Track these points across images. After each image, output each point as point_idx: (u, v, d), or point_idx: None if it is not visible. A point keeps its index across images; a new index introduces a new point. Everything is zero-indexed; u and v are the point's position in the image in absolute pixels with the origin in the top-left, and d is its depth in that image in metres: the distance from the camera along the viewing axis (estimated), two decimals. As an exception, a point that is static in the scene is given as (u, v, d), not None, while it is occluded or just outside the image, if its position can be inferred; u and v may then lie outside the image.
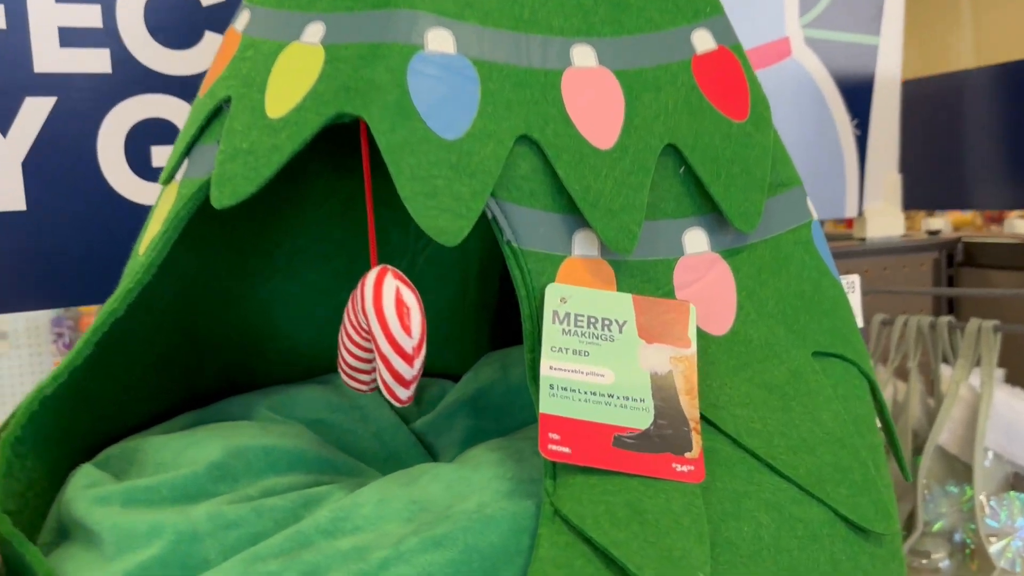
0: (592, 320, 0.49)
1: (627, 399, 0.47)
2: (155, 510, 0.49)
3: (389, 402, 0.66)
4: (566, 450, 0.45)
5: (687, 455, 0.46)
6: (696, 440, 0.47)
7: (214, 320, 0.67)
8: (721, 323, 0.53)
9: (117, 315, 0.53)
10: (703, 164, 0.53)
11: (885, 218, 1.36)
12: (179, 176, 0.56)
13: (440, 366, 0.72)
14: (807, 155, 1.26)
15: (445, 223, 0.46)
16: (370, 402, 0.64)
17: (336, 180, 0.68)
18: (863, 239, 1.35)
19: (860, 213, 1.36)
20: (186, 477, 0.52)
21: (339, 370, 0.54)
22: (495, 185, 0.48)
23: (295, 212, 0.67)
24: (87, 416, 0.60)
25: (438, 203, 0.46)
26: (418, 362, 0.48)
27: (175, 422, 0.63)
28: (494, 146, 0.48)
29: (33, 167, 0.89)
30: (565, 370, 0.48)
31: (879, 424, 0.57)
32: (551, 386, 0.47)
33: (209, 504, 0.49)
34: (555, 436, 0.45)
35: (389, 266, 0.49)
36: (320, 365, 0.70)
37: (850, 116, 1.31)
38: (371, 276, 0.48)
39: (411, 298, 0.47)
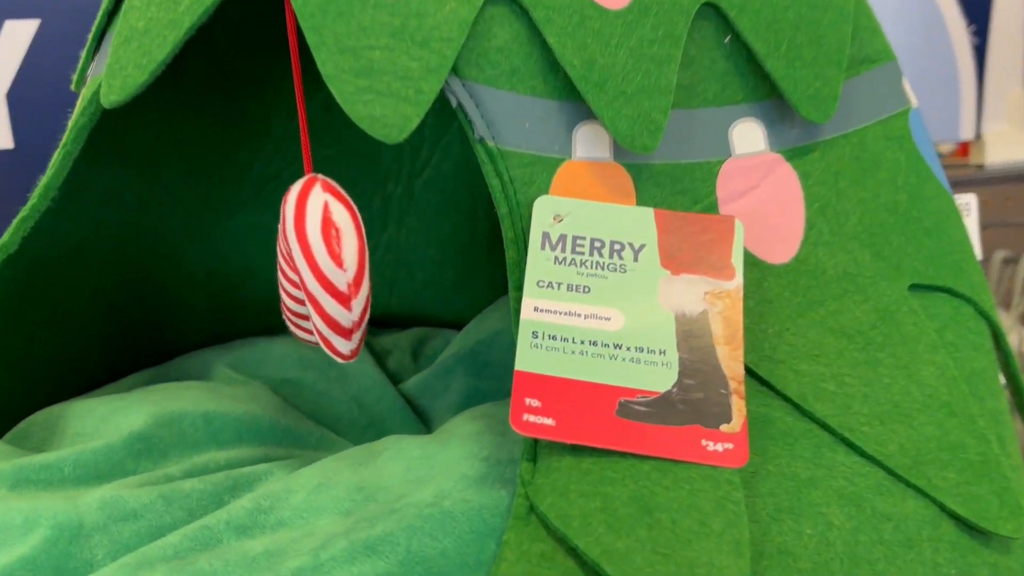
0: (597, 244, 0.36)
1: (641, 350, 0.34)
2: (46, 494, 0.39)
3: (378, 358, 0.54)
4: (548, 422, 0.32)
5: (724, 428, 0.33)
6: (738, 407, 0.33)
7: (176, 263, 0.56)
8: (783, 247, 0.39)
9: (9, 251, 0.42)
10: (757, 31, 0.39)
11: (1007, 141, 1.18)
12: (89, 76, 0.44)
13: (448, 315, 0.60)
14: (913, 67, 1.08)
15: (383, 111, 0.34)
16: (351, 357, 0.52)
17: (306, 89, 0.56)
18: (980, 166, 1.17)
19: (977, 136, 1.17)
20: (97, 452, 0.41)
21: (284, 318, 0.43)
22: (458, 60, 0.35)
23: (262, 130, 0.55)
24: (19, 380, 0.49)
25: (373, 84, 0.34)
26: (357, 303, 0.35)
27: (124, 382, 0.53)
28: (455, 4, 0.35)
29: (18, 99, 0.79)
30: (556, 312, 0.35)
31: (1003, 383, 0.43)
32: (534, 334, 0.34)
33: (108, 488, 0.38)
34: (534, 403, 0.33)
35: (321, 176, 0.36)
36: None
37: (966, 21, 1.12)
38: (295, 189, 0.36)
39: (343, 217, 0.34)
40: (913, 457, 0.35)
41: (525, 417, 0.32)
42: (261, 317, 0.58)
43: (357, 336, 0.36)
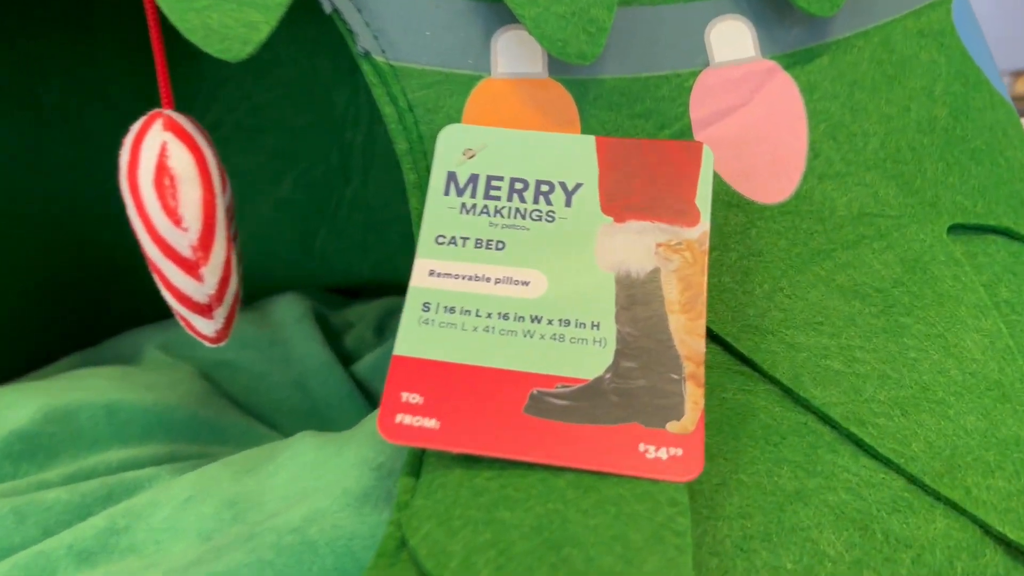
0: (518, 186, 0.28)
1: (566, 324, 0.26)
2: None
3: (335, 334, 0.47)
4: (431, 424, 0.24)
5: (671, 427, 0.24)
6: (693, 398, 0.25)
7: (118, 232, 0.49)
8: (777, 182, 0.30)
9: None
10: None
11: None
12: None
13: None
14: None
15: (222, 19, 0.26)
16: (297, 333, 0.45)
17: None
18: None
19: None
20: (-32, 454, 0.35)
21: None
22: (325, -49, 0.27)
23: (192, 73, 0.48)
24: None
25: (204, -14, 0.26)
26: (210, 272, 0.28)
27: (52, 367, 0.47)
28: None
29: None
30: (457, 276, 0.26)
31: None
32: (425, 306, 0.26)
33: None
34: (414, 398, 0.25)
35: (169, 111, 0.29)
36: (274, 282, 0.51)
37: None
38: (133, 129, 0.28)
39: (183, 162, 0.27)
40: (947, 460, 0.26)
41: (399, 418, 0.24)
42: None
43: (221, 313, 0.29)
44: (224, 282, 0.28)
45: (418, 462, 0.25)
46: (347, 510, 0.26)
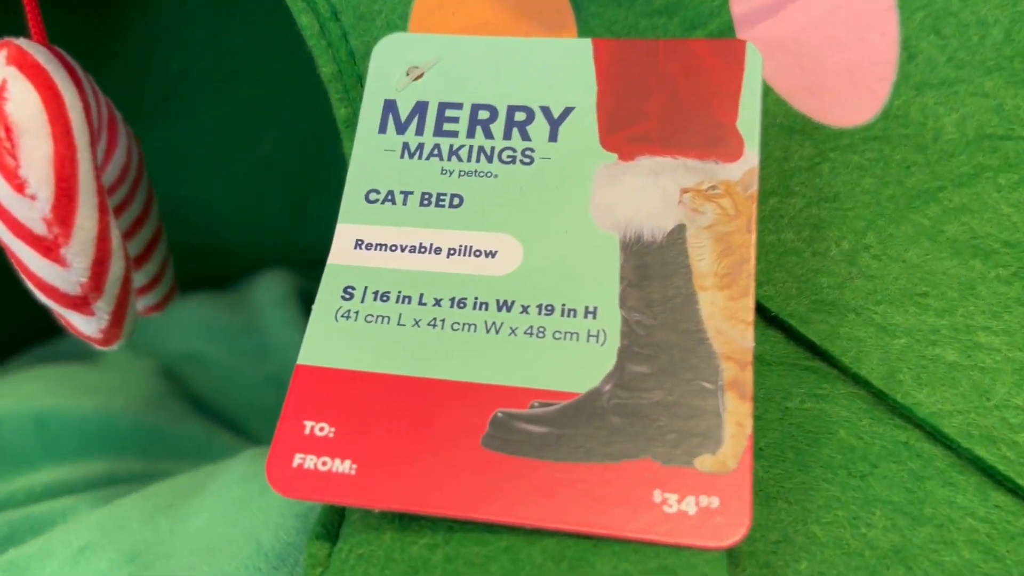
0: (481, 116, 0.20)
1: (548, 312, 0.18)
2: None
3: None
4: (343, 467, 0.16)
5: (702, 462, 0.16)
6: (737, 416, 0.16)
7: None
8: (856, 96, 0.21)
9: None
10: None
11: None
12: None
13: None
14: None
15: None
16: (278, 322, 0.37)
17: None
18: None
19: None
20: None
21: None
22: None
23: (147, 16, 0.40)
24: None
25: None
26: (74, 254, 0.20)
27: (8, 367, 0.40)
28: None
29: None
30: (394, 248, 0.19)
31: None
32: (347, 292, 0.18)
33: None
34: (320, 429, 0.17)
35: (18, 40, 0.21)
36: (259, 258, 0.44)
37: None
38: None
39: (27, 106, 0.19)
40: None
41: (299, 460, 0.17)
42: (195, 265, 0.44)
43: (104, 307, 0.22)
44: (100, 266, 0.21)
45: (336, 519, 0.17)
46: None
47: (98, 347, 0.23)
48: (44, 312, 0.42)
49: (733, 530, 0.16)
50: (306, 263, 0.43)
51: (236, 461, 0.25)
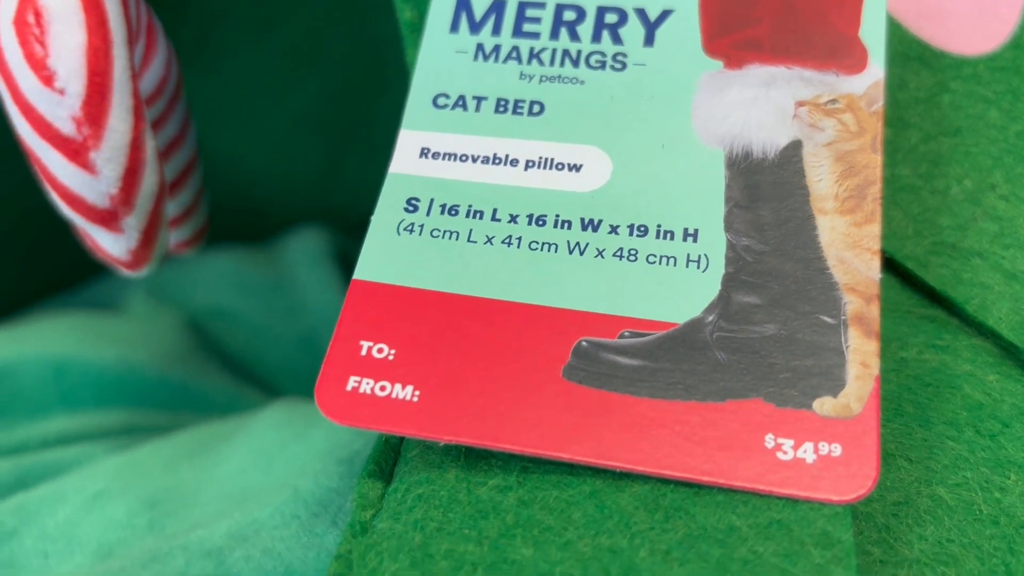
0: (567, 16, 0.17)
1: (641, 233, 0.15)
2: None
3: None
4: (404, 394, 0.14)
5: (822, 405, 0.14)
6: (862, 355, 0.14)
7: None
8: (981, 22, 0.19)
9: None
10: None
11: None
12: None
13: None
14: None
15: None
16: (311, 278, 0.35)
17: None
18: None
19: None
20: None
21: None
22: None
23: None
24: None
25: None
26: (104, 159, 0.18)
27: (31, 315, 0.38)
28: None
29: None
30: (463, 157, 0.16)
31: None
32: (410, 204, 0.16)
33: None
34: (378, 351, 0.15)
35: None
36: (293, 215, 0.42)
37: None
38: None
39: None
40: None
41: (353, 384, 0.14)
42: (223, 223, 0.42)
43: (134, 225, 0.20)
44: (131, 177, 0.19)
45: (391, 456, 0.15)
46: (290, 526, 0.17)
47: (125, 272, 0.21)
48: (65, 259, 0.41)
49: (858, 482, 0.13)
50: (341, 223, 0.41)
51: (268, 409, 0.23)
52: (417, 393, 0.14)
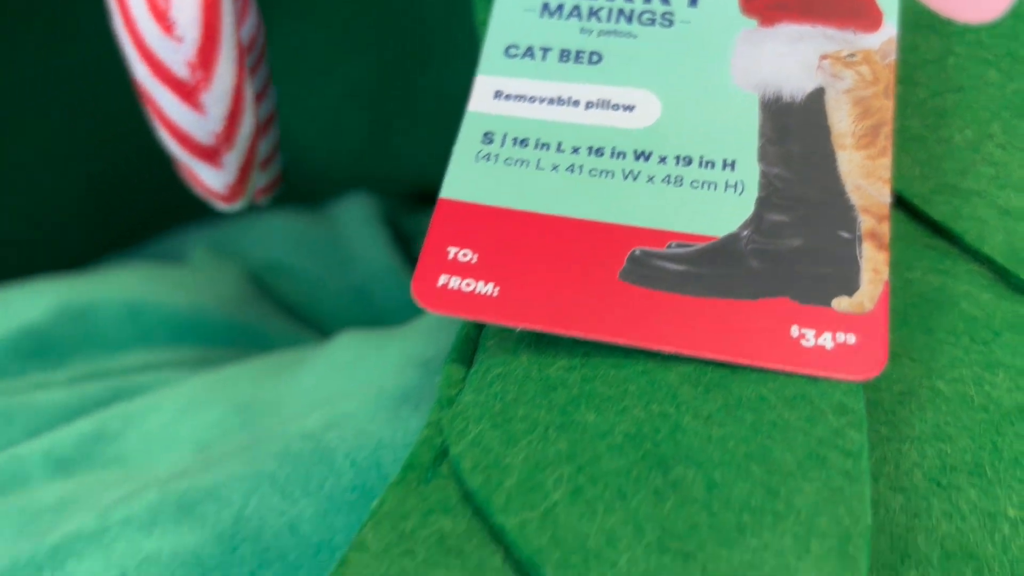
0: (623, -20, 0.20)
1: (686, 163, 0.18)
2: None
3: (404, 241, 0.40)
4: (486, 289, 0.17)
5: (840, 304, 0.16)
6: (874, 263, 0.17)
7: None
8: (986, -5, 0.22)
9: None
10: None
11: None
12: None
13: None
14: None
15: None
16: (361, 235, 0.38)
17: None
18: None
19: None
20: (-28, 349, 0.30)
21: None
22: None
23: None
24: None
25: None
26: (212, 100, 0.21)
27: (97, 267, 0.41)
28: None
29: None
30: (533, 99, 0.19)
31: None
32: (487, 137, 0.19)
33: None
34: (464, 255, 0.17)
35: None
36: (340, 182, 0.45)
37: None
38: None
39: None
40: None
41: (443, 280, 0.17)
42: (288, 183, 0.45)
43: (233, 161, 0.22)
44: (234, 118, 0.22)
45: (471, 346, 0.18)
46: (379, 414, 0.19)
47: (221, 205, 0.24)
48: (132, 218, 0.43)
49: (870, 365, 0.16)
50: (385, 190, 0.44)
51: (340, 336, 0.26)
52: (497, 288, 0.17)
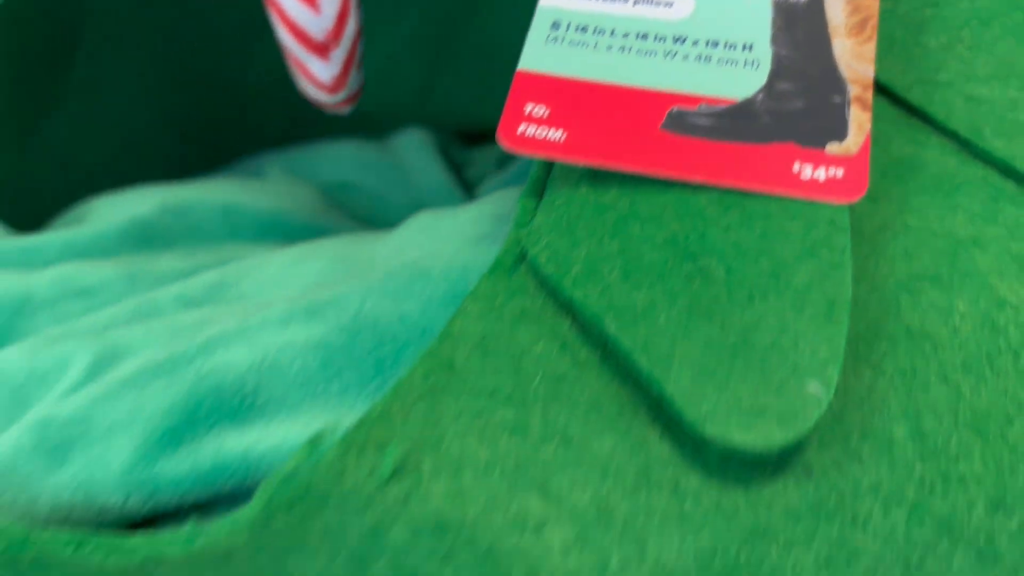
0: (664, -92, 0.25)
1: (714, 45, 0.23)
2: (12, 275, 0.33)
3: (457, 168, 0.45)
4: (556, 135, 0.22)
5: (832, 148, 0.21)
6: (858, 120, 0.22)
7: (244, 64, 0.49)
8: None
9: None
10: None
11: None
12: None
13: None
14: None
15: None
16: (418, 159, 0.43)
17: None
18: None
19: None
20: (89, 235, 0.35)
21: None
22: None
23: None
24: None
25: None
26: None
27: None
28: None
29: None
30: (592, -4, 0.24)
31: None
32: (555, 25, 0.24)
33: (71, 265, 0.31)
34: (539, 110, 0.22)
35: None
36: (391, 127, 0.49)
37: None
38: None
39: None
40: None
41: (522, 129, 0.22)
42: (341, 122, 0.50)
43: (339, 56, 0.27)
44: (342, 19, 0.26)
45: (541, 184, 0.23)
46: (464, 248, 0.24)
47: (324, 96, 0.29)
48: (217, 142, 0.48)
49: (855, 192, 0.21)
50: (436, 128, 0.49)
51: (417, 214, 0.31)
52: (565, 134, 0.22)
